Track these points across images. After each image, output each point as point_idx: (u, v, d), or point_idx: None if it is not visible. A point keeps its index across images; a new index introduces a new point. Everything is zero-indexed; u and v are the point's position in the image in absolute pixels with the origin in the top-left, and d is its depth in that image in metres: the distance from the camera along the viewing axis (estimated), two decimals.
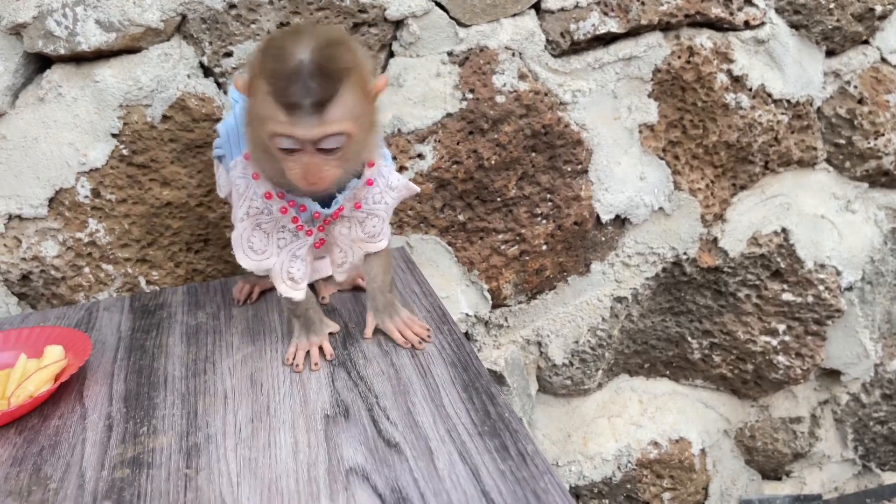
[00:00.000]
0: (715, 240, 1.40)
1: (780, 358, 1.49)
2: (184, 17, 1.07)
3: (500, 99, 1.18)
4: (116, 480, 0.69)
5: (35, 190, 1.06)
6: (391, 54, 1.16)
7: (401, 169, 1.18)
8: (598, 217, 1.31)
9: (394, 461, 0.68)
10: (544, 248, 1.29)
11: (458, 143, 1.19)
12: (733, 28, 1.28)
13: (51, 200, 1.07)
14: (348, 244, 0.88)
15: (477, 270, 1.28)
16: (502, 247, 1.27)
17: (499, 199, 1.24)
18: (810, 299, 1.45)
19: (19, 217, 1.07)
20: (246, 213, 0.81)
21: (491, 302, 1.30)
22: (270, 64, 0.70)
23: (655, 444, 1.51)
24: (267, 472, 0.68)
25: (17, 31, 1.01)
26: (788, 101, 1.34)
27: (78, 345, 0.89)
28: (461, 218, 1.24)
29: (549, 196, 1.26)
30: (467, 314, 1.29)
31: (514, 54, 1.19)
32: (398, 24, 1.14)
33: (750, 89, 1.31)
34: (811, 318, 1.47)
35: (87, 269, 1.10)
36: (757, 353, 1.48)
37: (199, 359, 0.89)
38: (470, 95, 1.18)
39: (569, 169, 1.26)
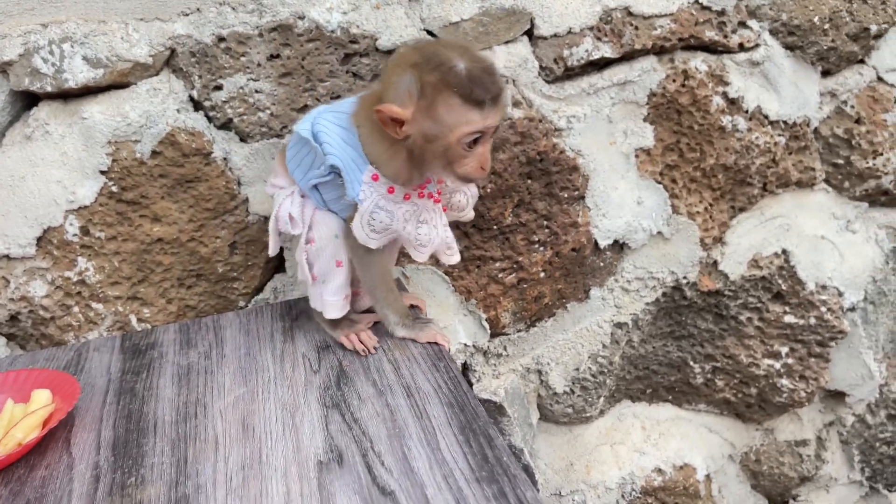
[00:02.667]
0: (715, 263, 1.38)
1: (784, 381, 1.47)
2: (172, 51, 1.05)
3: None
4: None
5: (23, 229, 1.04)
6: None
7: None
8: (595, 243, 1.29)
9: None
10: (542, 275, 1.27)
11: None
12: (728, 51, 1.27)
13: (39, 239, 1.05)
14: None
15: (475, 299, 1.26)
16: (500, 275, 1.25)
17: (495, 227, 1.22)
18: (812, 321, 1.43)
19: (7, 257, 1.05)
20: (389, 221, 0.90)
21: (489, 331, 1.28)
22: (448, 78, 0.80)
23: (660, 471, 1.48)
24: None
25: (2, 69, 1.00)
26: (785, 123, 1.33)
27: (66, 388, 0.87)
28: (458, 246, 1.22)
29: (545, 223, 1.25)
30: (465, 344, 1.27)
31: (507, 81, 1.17)
32: (390, 53, 1.13)
33: (746, 111, 1.30)
34: (814, 340, 1.45)
35: (76, 309, 1.08)
36: (760, 377, 1.46)
37: (190, 402, 0.87)
38: None
39: (565, 195, 1.24)
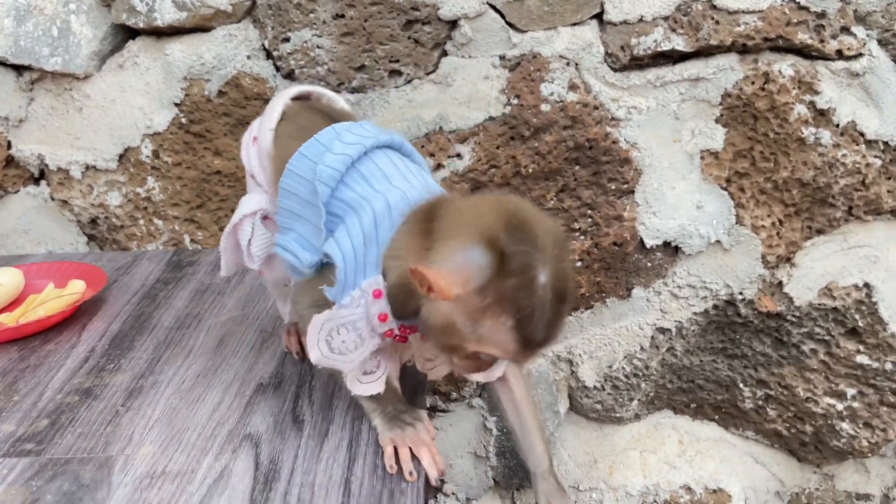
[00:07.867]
0: (780, 283, 1.28)
1: (845, 425, 1.34)
2: (254, 1, 1.15)
3: (544, 107, 1.17)
4: (63, 405, 0.78)
5: (108, 146, 1.20)
6: (444, 53, 1.18)
7: (437, 167, 1.20)
8: (641, 241, 1.25)
9: (289, 435, 0.71)
10: (579, 264, 1.26)
11: (497, 148, 1.19)
12: (823, 57, 1.17)
13: (120, 156, 1.20)
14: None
15: None
16: None
17: None
18: (890, 366, 1.30)
19: (94, 168, 1.21)
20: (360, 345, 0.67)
21: None
22: (519, 298, 0.59)
23: (689, 489, 1.42)
24: (180, 424, 0.74)
25: (107, 2, 1.15)
26: (886, 144, 1.20)
27: (99, 283, 1.01)
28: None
29: (588, 212, 1.23)
30: None
31: (568, 64, 1.16)
32: (453, 24, 1.16)
33: (837, 125, 1.19)
34: (889, 388, 1.31)
35: (141, 221, 1.23)
36: (818, 415, 1.35)
37: (192, 314, 0.98)
38: (515, 101, 1.17)
39: (613, 187, 1.21)
